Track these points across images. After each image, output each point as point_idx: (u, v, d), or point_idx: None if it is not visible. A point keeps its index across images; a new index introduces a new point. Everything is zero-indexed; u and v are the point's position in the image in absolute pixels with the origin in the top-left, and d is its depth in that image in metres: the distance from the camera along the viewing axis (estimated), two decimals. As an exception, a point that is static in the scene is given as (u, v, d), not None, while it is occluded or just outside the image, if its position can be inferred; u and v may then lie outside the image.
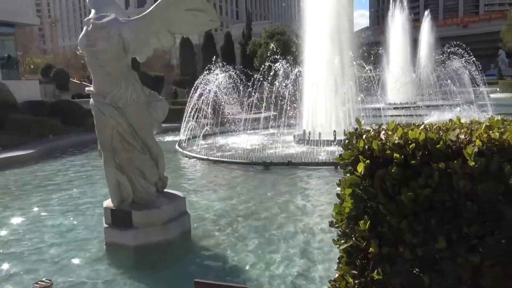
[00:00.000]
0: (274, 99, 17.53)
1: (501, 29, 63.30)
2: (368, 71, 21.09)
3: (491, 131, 2.40)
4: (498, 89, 49.21)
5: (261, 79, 19.18)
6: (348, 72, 17.66)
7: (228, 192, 10.17)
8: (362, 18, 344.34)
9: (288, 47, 38.37)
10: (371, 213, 2.48)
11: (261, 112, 18.75)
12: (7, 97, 22.03)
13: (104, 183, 7.61)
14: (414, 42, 45.01)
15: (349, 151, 2.66)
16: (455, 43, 32.85)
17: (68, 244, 7.00)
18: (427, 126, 2.72)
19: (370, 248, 2.42)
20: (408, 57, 41.35)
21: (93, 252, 6.59)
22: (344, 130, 13.48)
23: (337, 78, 16.96)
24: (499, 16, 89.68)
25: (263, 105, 17.76)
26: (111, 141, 6.42)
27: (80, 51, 6.79)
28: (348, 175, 2.62)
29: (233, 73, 21.67)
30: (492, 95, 30.32)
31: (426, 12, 51.22)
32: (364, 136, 2.66)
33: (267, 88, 18.56)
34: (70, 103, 25.84)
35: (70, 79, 38.34)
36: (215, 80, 19.65)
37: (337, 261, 2.72)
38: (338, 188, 2.66)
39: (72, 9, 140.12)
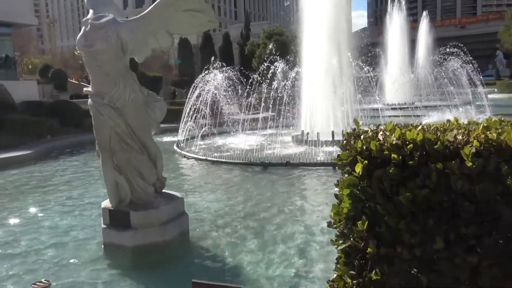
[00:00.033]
0: (272, 100, 17.54)
1: (498, 30, 63.47)
2: (366, 72, 21.11)
3: (488, 132, 2.40)
4: (496, 90, 49.36)
5: (259, 79, 19.19)
6: (346, 72, 17.68)
7: (226, 192, 10.17)
8: (360, 19, 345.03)
9: (286, 48, 38.40)
10: (369, 214, 2.48)
11: (259, 113, 18.75)
12: (5, 98, 21.98)
13: (102, 184, 7.60)
14: (412, 43, 45.12)
15: (347, 151, 2.67)
16: (453, 43, 32.94)
17: (66, 245, 6.99)
18: (425, 127, 2.73)
19: (368, 249, 2.42)
20: (406, 58, 41.46)
21: (91, 253, 6.57)
22: (343, 130, 13.49)
23: (335, 79, 16.98)
24: (497, 17, 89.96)
25: (262, 105, 17.76)
26: (109, 142, 6.41)
27: (78, 52, 6.78)
28: (346, 175, 2.62)
29: (232, 73, 21.67)
30: (490, 96, 30.41)
31: (424, 13, 51.36)
32: (362, 137, 2.67)
33: (265, 89, 18.57)
34: (68, 103, 25.79)
35: (68, 80, 38.26)
36: (214, 81, 19.65)
37: (335, 261, 2.72)
38: (336, 189, 2.66)
39: (70, 9, 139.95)
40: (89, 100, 6.46)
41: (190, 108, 18.47)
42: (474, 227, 2.24)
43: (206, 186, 11.03)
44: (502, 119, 2.74)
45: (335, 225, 2.70)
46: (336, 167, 2.62)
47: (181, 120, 18.68)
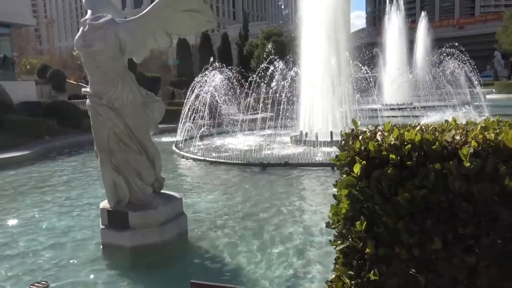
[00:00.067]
0: (270, 100, 17.54)
1: (496, 31, 63.60)
2: (365, 72, 21.15)
3: (486, 132, 2.41)
4: (494, 90, 49.45)
5: (258, 80, 19.19)
6: (344, 72, 17.71)
7: (225, 193, 10.17)
8: (358, 19, 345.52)
9: (284, 48, 38.42)
10: (367, 214, 2.49)
11: (258, 113, 18.76)
12: (3, 98, 21.93)
13: (100, 184, 7.59)
14: (411, 43, 45.18)
15: (345, 152, 2.67)
16: (451, 44, 33.00)
17: (65, 246, 6.97)
18: (423, 127, 2.73)
19: (367, 249, 2.43)
20: (404, 58, 41.50)
21: (90, 253, 6.56)
22: (341, 131, 13.50)
23: (334, 79, 17.00)
24: (495, 18, 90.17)
25: (260, 106, 17.77)
26: (108, 142, 6.40)
27: (76, 52, 6.78)
28: (344, 176, 2.63)
29: (230, 74, 21.67)
30: (488, 96, 30.46)
31: (423, 13, 51.43)
32: (360, 137, 2.68)
33: (263, 89, 18.57)
34: (67, 104, 25.76)
35: (67, 80, 38.23)
36: (212, 81, 19.65)
37: (334, 261, 2.72)
38: (335, 189, 2.67)
39: (68, 10, 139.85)
40: (88, 100, 6.45)
41: (189, 109, 18.46)
42: (472, 227, 2.24)
43: (204, 187, 11.03)
44: (500, 119, 2.75)
45: (333, 226, 2.70)
46: (335, 168, 2.62)
47: (180, 121, 18.67)
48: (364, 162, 2.50)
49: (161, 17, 6.27)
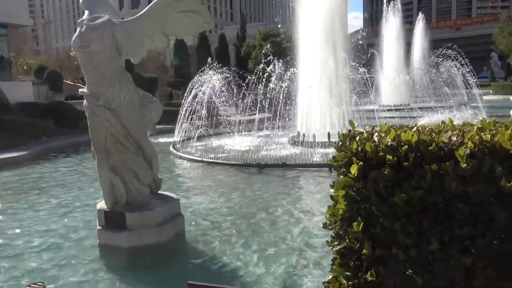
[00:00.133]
0: (268, 101, 17.55)
1: (493, 32, 63.79)
2: (362, 73, 21.17)
3: (482, 133, 2.42)
4: (490, 91, 49.62)
5: (255, 80, 19.20)
6: (342, 73, 17.73)
7: (222, 193, 10.16)
8: (356, 20, 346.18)
9: (282, 49, 38.41)
10: (364, 215, 2.49)
11: (255, 114, 18.76)
12: (0, 98, 21.88)
13: (97, 185, 7.57)
14: (408, 45, 45.27)
15: (342, 152, 2.67)
16: (448, 45, 33.07)
17: (62, 246, 6.95)
18: (420, 128, 2.74)
19: (364, 250, 2.43)
20: (401, 59, 41.58)
21: (87, 254, 6.54)
22: (338, 132, 13.52)
23: (331, 80, 17.02)
24: (491, 19, 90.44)
25: (258, 106, 17.77)
26: (105, 143, 6.39)
27: (73, 53, 6.77)
28: (341, 176, 2.63)
29: (228, 74, 21.68)
30: (484, 97, 30.57)
31: (420, 15, 51.56)
32: (357, 138, 2.68)
33: (261, 90, 18.57)
34: (64, 104, 25.70)
35: (64, 81, 38.13)
36: (210, 82, 19.64)
37: (331, 262, 2.72)
38: (332, 190, 2.67)
39: (65, 10, 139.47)
40: (85, 101, 6.44)
41: (186, 110, 18.44)
42: (469, 228, 2.25)
43: (202, 187, 11.02)
44: (497, 120, 2.76)
45: (330, 226, 2.70)
46: (332, 168, 2.63)
47: (177, 121, 18.64)
48: (361, 163, 2.50)
49: (159, 17, 6.27)
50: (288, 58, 19.95)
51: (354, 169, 2.50)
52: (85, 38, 6.07)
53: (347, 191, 2.54)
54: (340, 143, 2.77)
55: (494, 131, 2.45)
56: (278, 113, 16.71)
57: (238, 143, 16.28)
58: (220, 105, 21.71)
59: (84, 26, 6.09)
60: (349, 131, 2.89)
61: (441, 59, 30.38)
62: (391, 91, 34.65)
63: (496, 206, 2.21)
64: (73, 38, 6.24)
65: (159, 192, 7.17)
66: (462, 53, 28.50)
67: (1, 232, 7.87)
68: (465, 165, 2.22)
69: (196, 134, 18.07)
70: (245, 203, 9.18)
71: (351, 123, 2.96)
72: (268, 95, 18.06)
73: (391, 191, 2.40)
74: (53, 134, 21.32)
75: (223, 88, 20.82)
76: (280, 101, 16.87)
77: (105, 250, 6.54)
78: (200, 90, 18.99)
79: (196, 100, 18.69)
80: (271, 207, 8.74)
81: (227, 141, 18.26)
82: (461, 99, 29.70)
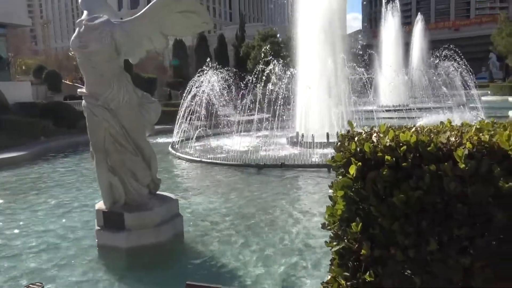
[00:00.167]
0: (267, 101, 17.55)
1: (491, 33, 63.90)
2: (361, 74, 21.20)
3: (481, 134, 2.42)
4: (489, 92, 49.70)
5: (254, 81, 19.21)
6: (341, 74, 17.74)
7: (221, 194, 10.16)
8: (354, 21, 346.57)
9: (280, 50, 38.45)
10: (363, 215, 2.49)
11: (254, 114, 18.76)
12: (-1, 98, 21.87)
13: (96, 185, 7.57)
14: (406, 46, 45.32)
15: (341, 153, 2.67)
16: (447, 46, 33.11)
17: (60, 247, 6.94)
18: (418, 129, 2.74)
19: (362, 250, 2.43)
20: (400, 60, 41.64)
21: (85, 255, 6.53)
22: (337, 132, 13.53)
23: (330, 80, 17.03)
24: (490, 20, 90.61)
25: (256, 107, 17.77)
26: (104, 143, 6.39)
27: (72, 53, 6.76)
28: (340, 177, 2.63)
29: (227, 75, 21.68)
30: (483, 98, 30.62)
31: (419, 15, 51.62)
32: (356, 139, 2.68)
33: (260, 90, 18.58)
34: (62, 104, 25.67)
35: (62, 81, 38.11)
36: (208, 82, 19.64)
37: (330, 263, 2.72)
38: (330, 190, 2.67)
39: (64, 10, 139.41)
40: (83, 101, 6.44)
41: (185, 110, 18.44)
42: (467, 228, 2.25)
43: (200, 188, 11.02)
44: (495, 121, 2.77)
45: (329, 227, 2.71)
46: (331, 169, 2.63)
47: (176, 122, 18.64)
48: (360, 163, 2.51)
49: (157, 18, 6.27)
50: (288, 60, 19.97)
51: (352, 170, 2.50)
52: (84, 38, 6.07)
53: (346, 192, 2.55)
54: (339, 143, 2.77)
55: (492, 132, 2.46)
56: (276, 114, 16.72)
57: (237, 143, 16.29)
58: (219, 105, 21.69)
59: (83, 26, 6.09)
60: (348, 131, 2.89)
61: (439, 61, 30.42)
62: (390, 91, 34.67)
63: (495, 207, 2.21)
64: (72, 38, 6.23)
65: (158, 192, 7.16)
66: (461, 54, 28.53)
67: (-1, 233, 7.86)
68: (463, 165, 2.23)
69: (195, 135, 18.06)
70: (244, 203, 9.18)
71: (349, 123, 2.96)
72: (266, 95, 18.05)
73: (390, 192, 2.40)
74: (51, 134, 21.29)
75: (222, 89, 20.81)
76: (279, 102, 16.88)
77: (103, 251, 6.53)
78: (199, 91, 18.99)
79: (195, 100, 18.69)
80: (270, 207, 8.74)
81: (226, 141, 18.26)
82: (460, 99, 29.76)
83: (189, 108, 18.40)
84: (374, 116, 17.82)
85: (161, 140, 20.13)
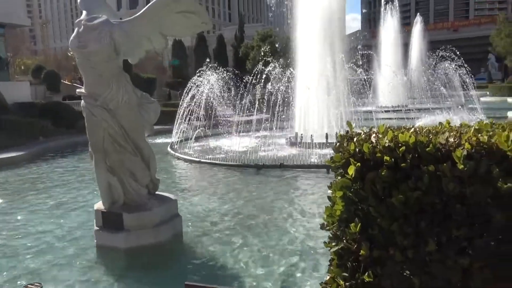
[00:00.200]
0: (266, 101, 17.55)
1: (490, 34, 63.99)
2: (360, 74, 21.21)
3: (479, 135, 2.42)
4: (488, 93, 49.74)
5: (254, 81, 19.21)
6: (340, 75, 17.75)
7: (220, 194, 10.15)
8: (353, 22, 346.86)
9: (280, 50, 38.44)
10: (362, 216, 2.49)
11: (253, 114, 18.76)
12: (-3, 98, 21.83)
13: (95, 186, 7.56)
14: (405, 46, 45.37)
15: (340, 154, 2.67)
16: (446, 46, 33.16)
17: (59, 247, 6.93)
18: (417, 129, 2.74)
19: (361, 251, 2.43)
20: (399, 61, 41.68)
21: (84, 255, 6.52)
22: (336, 132, 13.54)
23: (329, 81, 17.04)
24: (489, 21, 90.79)
25: (256, 107, 17.78)
26: (103, 143, 6.38)
27: (71, 53, 6.76)
28: (339, 177, 2.63)
29: (226, 75, 21.68)
30: (482, 99, 30.66)
31: (418, 16, 51.69)
32: (355, 139, 2.68)
33: (259, 91, 18.58)
34: (61, 104, 25.66)
35: (61, 81, 38.08)
36: (208, 83, 19.64)
37: (329, 263, 2.73)
38: (329, 191, 2.67)
39: (63, 10, 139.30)
40: (82, 101, 6.43)
41: (184, 110, 18.43)
42: (466, 229, 2.25)
43: (199, 188, 11.01)
44: (494, 122, 2.77)
45: (328, 227, 2.71)
46: (329, 169, 2.64)
47: (175, 122, 18.63)
48: (359, 164, 2.51)
49: (156, 18, 6.27)
50: (288, 61, 19.97)
51: (351, 170, 2.50)
52: (83, 38, 6.06)
53: (345, 192, 2.55)
54: (338, 144, 2.77)
55: (491, 133, 2.46)
56: (276, 114, 16.72)
57: (236, 143, 16.28)
58: (218, 105, 21.69)
59: (82, 27, 6.09)
60: (347, 132, 2.90)
61: (437, 62, 30.47)
62: (389, 92, 34.69)
63: (493, 207, 2.22)
64: (71, 38, 6.23)
65: (157, 192, 7.16)
66: (460, 55, 28.58)
67: (-2, 233, 7.84)
68: (462, 166, 2.23)
69: (194, 135, 18.05)
70: (243, 203, 9.18)
71: (349, 124, 2.96)
72: (266, 96, 18.05)
73: (389, 192, 2.40)
74: (50, 134, 21.26)
75: (221, 89, 20.82)
76: (278, 102, 16.88)
77: (102, 251, 6.53)
78: (198, 91, 18.99)
79: (194, 100, 18.69)
80: (269, 207, 8.74)
81: (225, 141, 18.25)
82: (459, 100, 29.79)
83: (188, 108, 18.40)
84: (373, 116, 17.83)
85: (160, 140, 20.13)
